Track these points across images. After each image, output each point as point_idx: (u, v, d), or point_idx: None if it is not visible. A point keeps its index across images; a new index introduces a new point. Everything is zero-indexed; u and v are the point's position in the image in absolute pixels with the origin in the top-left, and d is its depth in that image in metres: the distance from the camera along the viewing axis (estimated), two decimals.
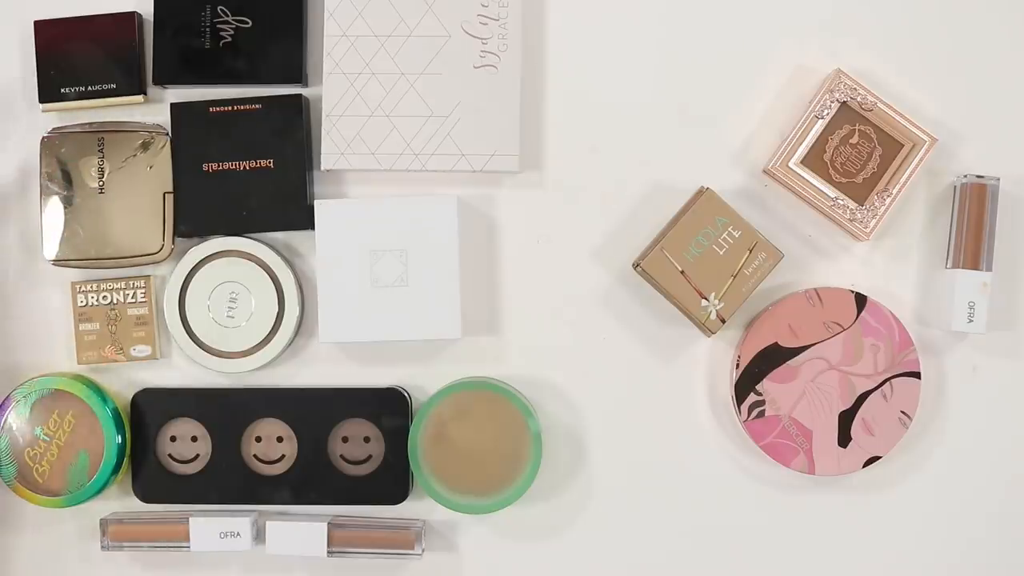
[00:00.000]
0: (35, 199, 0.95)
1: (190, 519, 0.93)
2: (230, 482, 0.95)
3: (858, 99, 0.92)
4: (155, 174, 0.94)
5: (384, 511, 0.96)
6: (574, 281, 0.96)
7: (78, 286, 0.95)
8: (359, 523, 0.95)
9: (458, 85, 0.93)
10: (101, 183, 0.94)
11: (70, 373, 0.95)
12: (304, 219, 0.93)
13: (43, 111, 0.95)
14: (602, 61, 0.95)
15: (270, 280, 0.94)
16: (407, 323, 0.92)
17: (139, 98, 0.95)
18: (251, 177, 0.93)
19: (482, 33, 0.93)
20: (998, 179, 0.93)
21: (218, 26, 0.93)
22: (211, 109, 0.94)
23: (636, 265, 0.93)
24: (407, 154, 0.93)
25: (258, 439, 0.95)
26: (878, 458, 0.92)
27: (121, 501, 0.97)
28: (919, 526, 0.96)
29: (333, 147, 0.93)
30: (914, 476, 0.95)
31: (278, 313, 0.94)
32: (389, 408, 0.94)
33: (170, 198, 0.94)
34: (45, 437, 0.93)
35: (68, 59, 0.94)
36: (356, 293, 0.91)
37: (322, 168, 0.93)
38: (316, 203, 0.92)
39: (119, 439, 0.93)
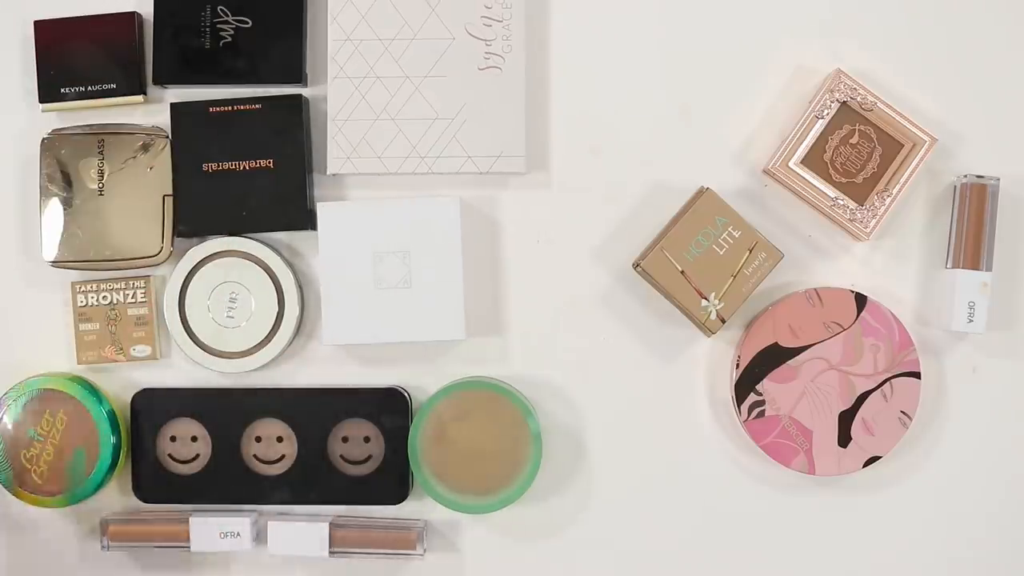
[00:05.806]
0: (35, 200, 0.95)
1: (190, 519, 0.93)
2: (230, 482, 0.95)
3: (858, 99, 0.92)
4: (155, 176, 0.94)
5: (384, 511, 0.96)
6: (574, 281, 0.96)
7: (78, 286, 0.95)
8: (360, 523, 0.95)
9: (463, 87, 0.92)
10: (101, 185, 0.94)
11: (58, 372, 0.95)
12: (304, 219, 0.93)
13: (43, 111, 0.94)
14: (604, 61, 0.95)
15: (270, 280, 0.94)
16: (411, 325, 0.91)
17: (139, 98, 0.94)
18: (251, 177, 0.93)
19: (486, 35, 0.93)
20: (998, 179, 0.93)
21: (218, 26, 0.93)
22: (211, 109, 0.94)
23: (636, 265, 0.93)
24: (413, 157, 0.93)
25: (258, 439, 0.95)
26: (878, 458, 0.92)
27: (121, 501, 0.97)
28: (919, 526, 0.96)
29: (339, 151, 0.93)
30: (914, 476, 0.96)
31: (278, 313, 0.94)
32: (389, 408, 0.94)
33: (169, 201, 0.94)
34: (39, 437, 0.93)
35: (68, 59, 0.94)
36: (360, 295, 0.91)
37: (328, 172, 0.93)
38: (319, 205, 0.92)
39: (111, 432, 0.92)
